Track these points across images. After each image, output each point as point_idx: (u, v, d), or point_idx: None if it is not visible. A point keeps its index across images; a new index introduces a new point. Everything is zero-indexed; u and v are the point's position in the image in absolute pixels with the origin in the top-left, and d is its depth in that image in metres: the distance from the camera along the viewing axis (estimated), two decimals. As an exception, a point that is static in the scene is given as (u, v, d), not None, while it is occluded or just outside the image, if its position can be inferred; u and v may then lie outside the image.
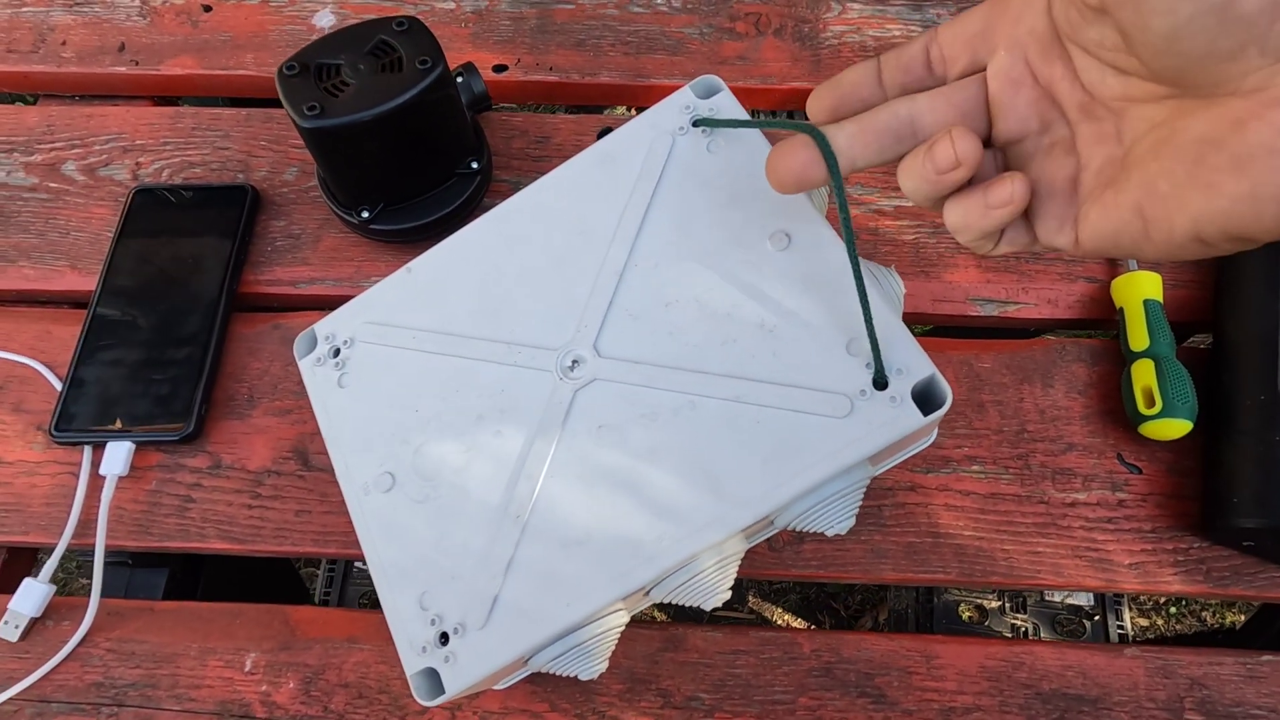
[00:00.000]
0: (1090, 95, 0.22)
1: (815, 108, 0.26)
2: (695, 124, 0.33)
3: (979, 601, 0.83)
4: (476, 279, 0.34)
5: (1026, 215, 0.24)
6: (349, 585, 0.87)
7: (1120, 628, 0.83)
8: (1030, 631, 0.81)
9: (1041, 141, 0.24)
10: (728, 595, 0.28)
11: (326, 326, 0.36)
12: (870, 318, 0.26)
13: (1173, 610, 0.95)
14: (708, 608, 0.28)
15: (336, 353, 0.35)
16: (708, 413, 0.28)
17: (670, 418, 0.29)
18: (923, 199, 0.24)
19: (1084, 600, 0.81)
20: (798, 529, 0.28)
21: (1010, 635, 0.81)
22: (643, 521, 0.27)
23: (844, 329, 0.28)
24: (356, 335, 0.35)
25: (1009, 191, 0.22)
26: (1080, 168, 0.23)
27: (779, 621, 0.98)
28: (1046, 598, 0.83)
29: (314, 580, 0.88)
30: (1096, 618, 0.82)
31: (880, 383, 0.27)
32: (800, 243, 0.29)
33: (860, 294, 0.26)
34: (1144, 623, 0.98)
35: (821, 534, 0.28)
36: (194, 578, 0.45)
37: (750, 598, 0.98)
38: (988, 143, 0.25)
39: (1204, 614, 0.96)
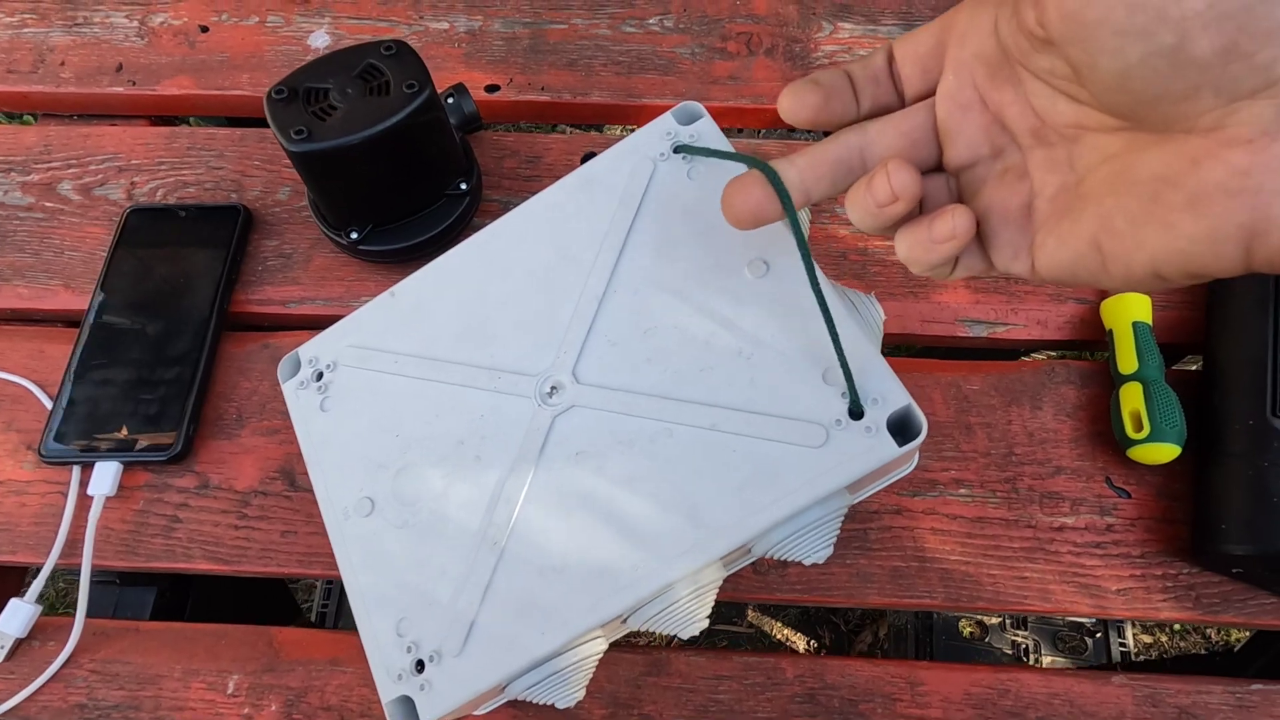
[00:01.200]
0: (1042, 121, 0.22)
1: (797, 105, 0.24)
2: (676, 150, 0.33)
3: (979, 617, 0.82)
4: (459, 303, 0.34)
5: (981, 241, 0.23)
6: (346, 599, 0.88)
7: (1123, 645, 0.82)
8: (1030, 648, 0.81)
9: (994, 167, 0.23)
10: (705, 624, 0.28)
11: (310, 350, 0.36)
12: (840, 348, 0.26)
13: (1176, 628, 0.94)
14: (684, 636, 0.28)
15: (319, 376, 0.35)
16: (684, 440, 0.28)
17: (647, 445, 0.28)
18: (870, 230, 0.24)
19: (1086, 617, 0.81)
20: (775, 557, 0.28)
21: (1010, 652, 0.80)
22: (619, 549, 0.27)
23: (821, 357, 0.28)
24: (339, 359, 0.35)
25: (950, 227, 0.22)
26: (1033, 194, 0.22)
27: (777, 636, 0.98)
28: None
29: (312, 592, 0.88)
30: (1098, 635, 0.81)
31: (856, 412, 0.27)
32: (778, 271, 0.29)
33: (828, 326, 0.26)
34: (1147, 639, 0.97)
35: (800, 562, 0.28)
36: (183, 596, 0.45)
37: (750, 611, 0.98)
38: (939, 168, 0.25)
39: (1208, 631, 0.95)
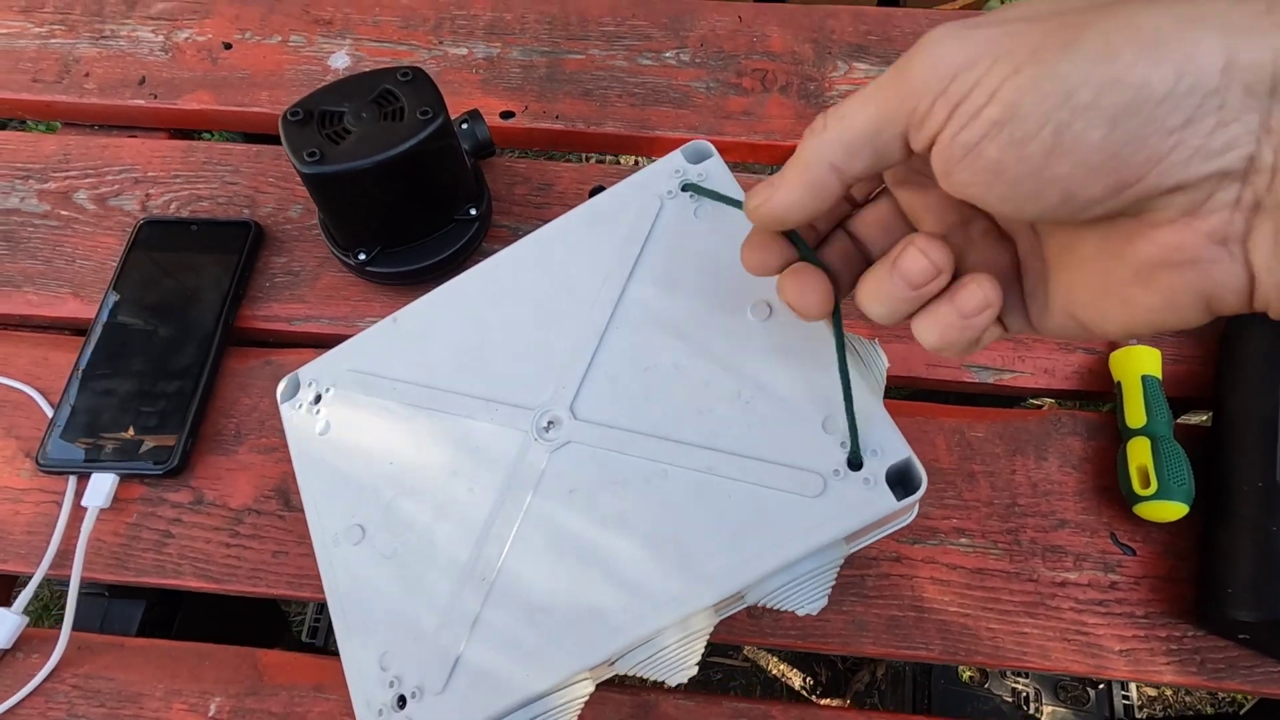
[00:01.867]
0: None
1: (758, 266, 0.25)
2: (684, 189, 0.33)
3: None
4: (460, 332, 0.34)
5: None
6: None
7: (1126, 698, 0.80)
8: (1031, 697, 0.79)
9: (970, 231, 0.23)
10: (694, 671, 0.27)
11: (310, 372, 0.36)
12: (850, 397, 0.26)
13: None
14: (672, 683, 0.27)
15: (318, 399, 0.35)
16: (679, 483, 0.28)
17: (641, 486, 0.28)
18: (896, 319, 0.22)
19: (1087, 677, 0.79)
20: (768, 606, 0.27)
21: (1010, 699, 0.78)
22: (608, 592, 0.27)
23: (821, 404, 0.27)
24: (338, 383, 0.35)
25: (981, 297, 0.20)
26: (1016, 251, 0.23)
27: (773, 671, 0.96)
28: (1048, 664, 0.80)
29: (305, 606, 0.88)
30: (1101, 686, 0.80)
31: (855, 463, 0.26)
32: (782, 314, 0.29)
33: (843, 374, 0.26)
34: (1151, 693, 0.95)
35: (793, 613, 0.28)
36: (172, 611, 0.45)
37: (745, 646, 0.96)
38: None
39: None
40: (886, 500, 0.25)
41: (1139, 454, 0.36)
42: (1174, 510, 0.35)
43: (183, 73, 0.53)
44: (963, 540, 0.38)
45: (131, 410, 0.40)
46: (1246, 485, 0.35)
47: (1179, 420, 0.39)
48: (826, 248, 0.25)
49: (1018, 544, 0.38)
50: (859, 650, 0.36)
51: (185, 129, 0.54)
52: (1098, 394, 0.42)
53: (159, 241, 0.46)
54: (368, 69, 0.53)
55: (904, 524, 0.29)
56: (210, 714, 0.35)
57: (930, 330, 0.21)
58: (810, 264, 0.24)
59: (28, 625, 0.37)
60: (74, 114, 0.53)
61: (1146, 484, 0.36)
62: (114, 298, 0.44)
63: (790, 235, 0.24)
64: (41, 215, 0.48)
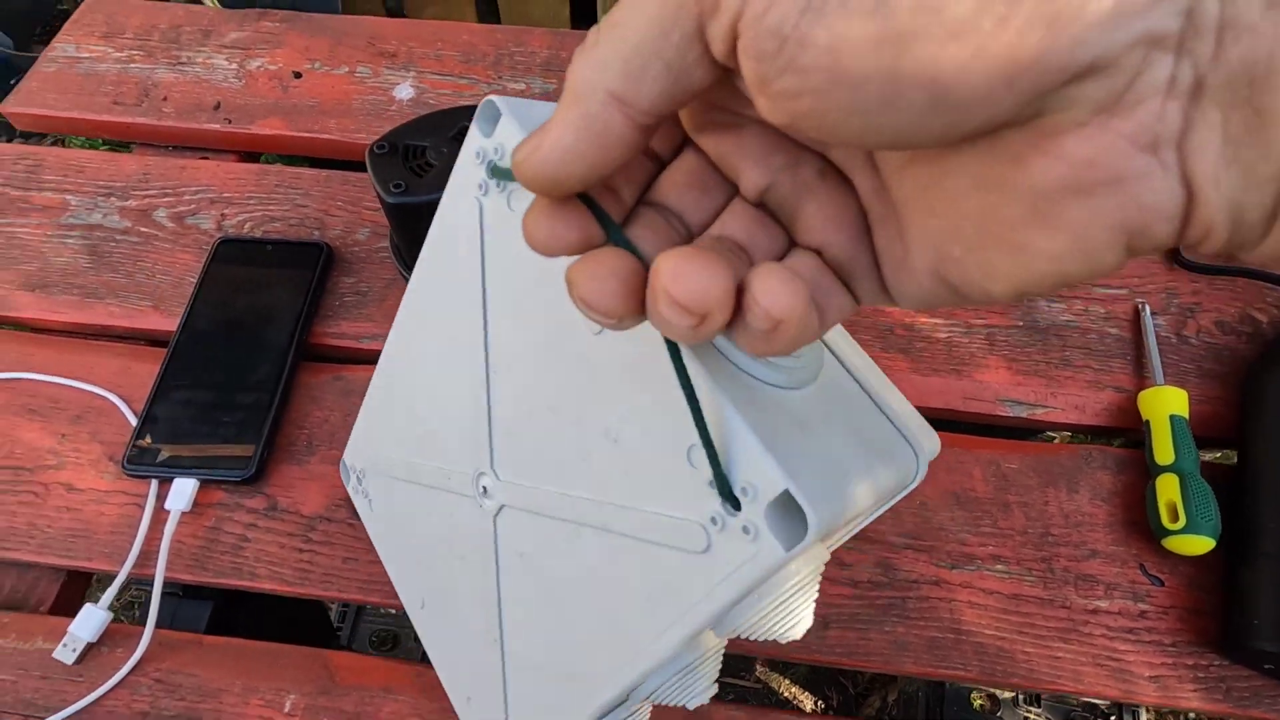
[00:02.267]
0: None
1: (547, 240, 0.17)
2: (491, 175, 0.24)
3: (992, 690, 0.82)
4: (408, 397, 0.31)
5: (838, 274, 0.17)
6: (361, 623, 0.89)
7: (1137, 729, 0.81)
8: (1043, 727, 0.80)
9: (801, 176, 0.17)
10: (714, 690, 0.27)
11: (348, 456, 0.37)
12: (701, 420, 0.19)
13: (1191, 716, 0.93)
14: (691, 707, 0.27)
15: (359, 480, 0.36)
16: (591, 543, 0.24)
17: (565, 547, 0.25)
18: (702, 341, 0.17)
19: (1117, 702, 0.80)
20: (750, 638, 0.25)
21: (1023, 729, 0.79)
22: (571, 658, 0.26)
23: (685, 432, 0.20)
24: (365, 465, 0.36)
25: (762, 315, 0.15)
26: (859, 197, 0.17)
27: (785, 693, 0.97)
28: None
29: (329, 610, 0.89)
30: (1112, 717, 0.81)
31: (735, 505, 0.20)
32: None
33: (685, 389, 0.19)
34: (1161, 726, 0.96)
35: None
36: (235, 611, 0.47)
37: (758, 667, 0.98)
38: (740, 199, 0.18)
39: (1224, 723, 0.94)
40: (773, 553, 0.19)
41: (1168, 490, 0.39)
42: (1201, 545, 0.37)
43: (255, 99, 0.56)
44: (999, 567, 0.40)
45: (212, 418, 0.43)
46: (1272, 524, 0.37)
47: (1202, 455, 0.41)
48: (633, 227, 0.17)
49: (1051, 572, 0.39)
50: (900, 669, 0.38)
51: (256, 152, 0.57)
52: (1125, 430, 0.44)
53: (236, 259, 0.48)
54: (430, 100, 0.56)
55: (907, 493, 0.24)
56: (286, 710, 0.37)
57: (744, 344, 0.16)
58: (609, 247, 0.16)
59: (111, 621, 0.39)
60: (152, 136, 0.56)
61: (1175, 519, 0.38)
62: (194, 311, 0.46)
63: (584, 199, 0.17)
64: (123, 231, 0.51)
